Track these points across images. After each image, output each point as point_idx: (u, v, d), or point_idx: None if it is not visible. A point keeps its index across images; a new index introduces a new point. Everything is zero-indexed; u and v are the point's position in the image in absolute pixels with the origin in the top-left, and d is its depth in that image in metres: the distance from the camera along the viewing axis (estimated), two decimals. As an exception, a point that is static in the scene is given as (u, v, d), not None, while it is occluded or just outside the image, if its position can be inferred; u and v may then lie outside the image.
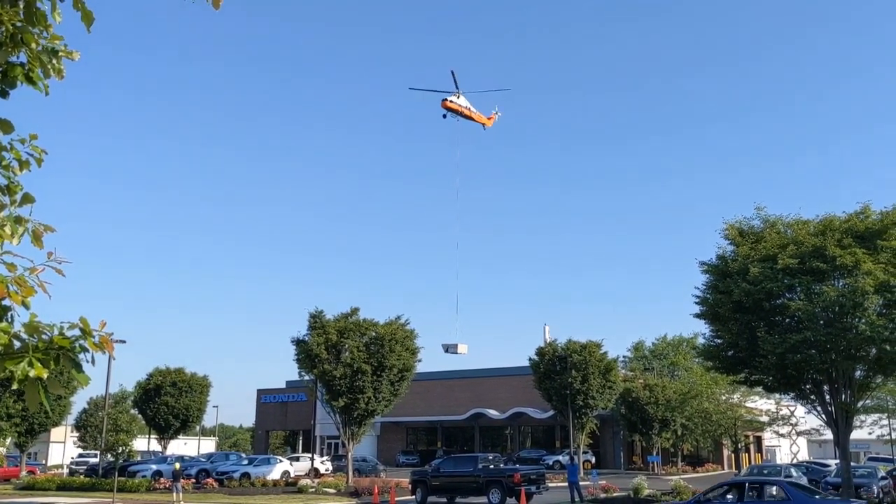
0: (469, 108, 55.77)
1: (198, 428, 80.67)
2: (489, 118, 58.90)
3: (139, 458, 49.74)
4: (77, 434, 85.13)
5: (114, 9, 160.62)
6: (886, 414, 53.46)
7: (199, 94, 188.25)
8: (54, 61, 4.47)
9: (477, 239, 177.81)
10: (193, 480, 42.59)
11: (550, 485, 36.87)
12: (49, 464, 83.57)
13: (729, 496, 21.58)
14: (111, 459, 41.66)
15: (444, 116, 54.73)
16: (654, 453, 61.20)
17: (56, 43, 4.47)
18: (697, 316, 31.34)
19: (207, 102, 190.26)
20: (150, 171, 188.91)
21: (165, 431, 60.63)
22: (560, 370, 53.66)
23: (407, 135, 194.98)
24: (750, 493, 21.09)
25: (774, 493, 20.62)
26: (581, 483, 35.62)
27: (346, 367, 40.81)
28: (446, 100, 54.03)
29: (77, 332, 3.99)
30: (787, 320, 28.59)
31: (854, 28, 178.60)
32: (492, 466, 33.89)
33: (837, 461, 33.49)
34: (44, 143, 4.55)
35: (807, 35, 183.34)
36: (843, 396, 29.12)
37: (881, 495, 31.53)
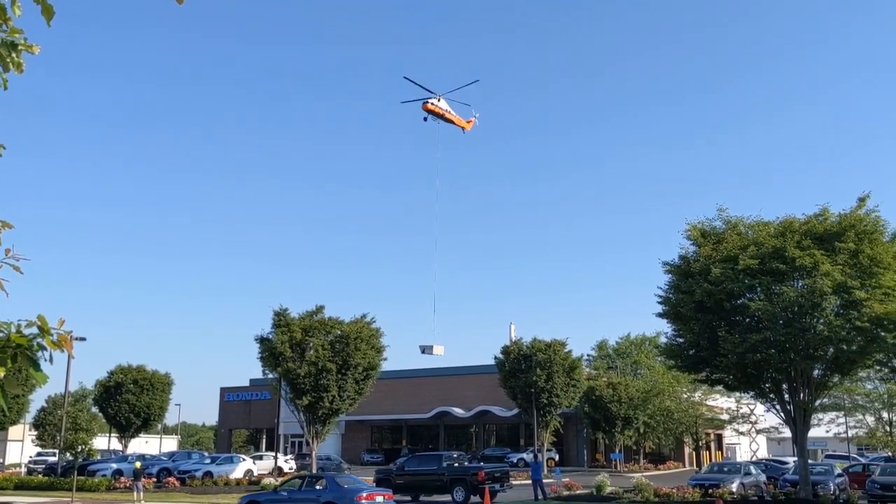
0: (449, 112, 56.92)
1: (159, 426, 79.74)
2: (468, 122, 60.00)
3: (99, 457, 49.02)
4: (35, 432, 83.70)
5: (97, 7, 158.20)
6: (843, 412, 54.51)
7: (168, 94, 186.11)
8: (14, 55, 4.40)
9: (442, 239, 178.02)
10: (154, 479, 42.07)
11: (514, 483, 37.04)
12: (6, 462, 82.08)
13: (296, 486, 28.21)
14: (70, 458, 41.05)
15: (426, 119, 55.91)
16: (617, 451, 61.80)
17: (16, 36, 4.40)
18: (660, 315, 31.69)
19: (178, 104, 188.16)
20: (112, 166, 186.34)
21: (126, 430, 59.84)
22: (525, 369, 53.92)
23: (380, 138, 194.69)
24: (309, 483, 27.73)
25: (323, 483, 27.14)
26: (545, 481, 35.83)
27: (311, 366, 40.58)
28: (427, 102, 55.08)
29: (35, 329, 3.94)
30: (748, 320, 29.05)
31: (828, 37, 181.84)
32: (456, 465, 33.96)
33: (795, 459, 34.12)
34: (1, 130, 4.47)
35: (781, 41, 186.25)
36: (802, 395, 29.66)
37: (837, 492, 32.14)
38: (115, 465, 46.03)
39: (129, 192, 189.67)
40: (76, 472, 37.80)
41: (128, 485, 38.52)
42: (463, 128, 59.32)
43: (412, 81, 54.64)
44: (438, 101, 55.54)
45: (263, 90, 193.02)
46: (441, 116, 56.08)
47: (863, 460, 52.02)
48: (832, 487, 32.20)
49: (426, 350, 56.85)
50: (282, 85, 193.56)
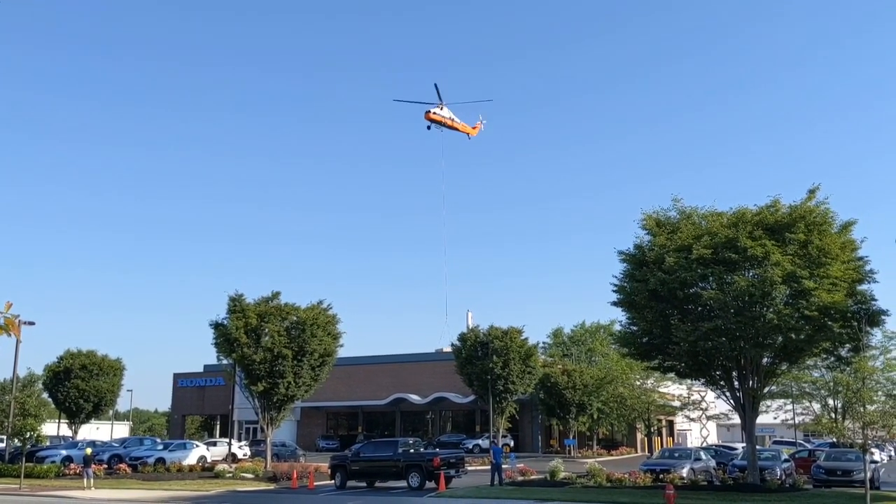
0: (452, 119, 56.74)
1: (111, 412, 78.44)
2: (474, 128, 59.99)
3: (48, 443, 48.11)
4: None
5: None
6: (790, 399, 55.60)
7: (133, 69, 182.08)
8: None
9: (397, 224, 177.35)
10: (105, 466, 41.47)
11: (470, 468, 37.25)
12: (-49, 449, 79.99)
13: None
14: (18, 444, 40.22)
15: (429, 128, 55.88)
16: (571, 437, 62.41)
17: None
18: (615, 304, 32.00)
19: (135, 78, 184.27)
20: (61, 154, 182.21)
21: (76, 416, 58.77)
22: (482, 356, 54.12)
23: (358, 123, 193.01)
24: None
25: None
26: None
27: (266, 352, 40.28)
28: (429, 112, 54.96)
29: (-19, 313, 3.86)
30: (700, 309, 29.48)
31: (779, 26, 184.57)
32: (412, 451, 34.01)
33: (744, 444, 34.79)
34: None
35: (728, 33, 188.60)
36: (751, 382, 30.24)
37: (784, 477, 32.89)
38: (64, 452, 45.23)
39: (77, 169, 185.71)
40: (24, 459, 37.07)
41: (78, 471, 37.92)
42: (468, 134, 59.46)
43: (404, 101, 54.60)
44: (441, 108, 55.41)
45: (232, 64, 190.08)
46: (444, 124, 55.99)
47: (809, 446, 53.35)
48: (779, 472, 32.94)
49: (438, 352, 59.06)
50: (260, 59, 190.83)
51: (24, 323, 41.90)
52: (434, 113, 54.78)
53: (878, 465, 39.10)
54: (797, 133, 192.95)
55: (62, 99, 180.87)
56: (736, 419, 37.37)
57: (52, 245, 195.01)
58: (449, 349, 58.99)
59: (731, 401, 31.32)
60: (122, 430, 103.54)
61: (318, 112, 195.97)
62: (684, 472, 32.91)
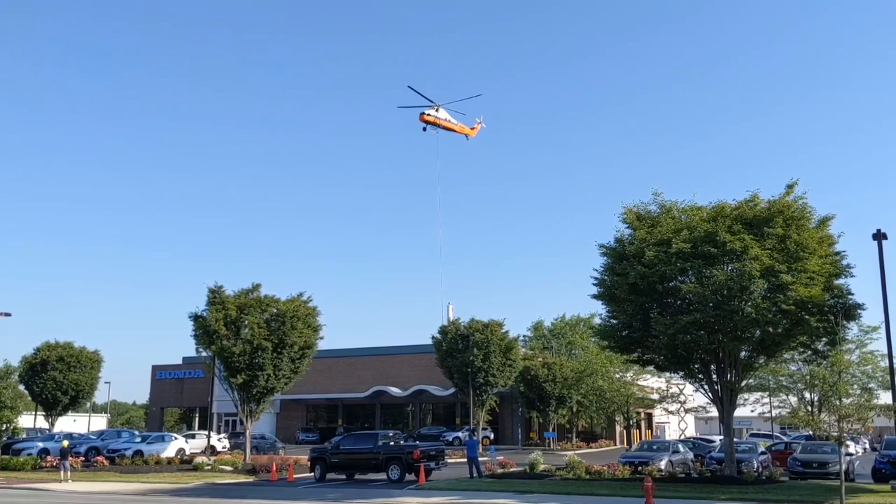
0: (449, 120, 56.37)
1: (88, 404, 77.89)
2: (472, 128, 59.58)
3: (25, 436, 47.69)
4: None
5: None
6: (768, 393, 56.18)
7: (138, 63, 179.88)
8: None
9: (378, 214, 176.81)
10: (83, 459, 41.21)
11: (450, 461, 37.32)
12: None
13: None
14: (-6, 437, 39.88)
15: (424, 129, 55.37)
16: (551, 429, 62.70)
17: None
18: (595, 297, 32.07)
19: (152, 71, 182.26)
20: (40, 139, 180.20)
21: (53, 408, 58.34)
22: (462, 349, 54.22)
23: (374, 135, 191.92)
24: None
25: None
26: (480, 459, 36.17)
27: (246, 344, 40.17)
28: (424, 113, 54.65)
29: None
30: (679, 302, 29.60)
31: (744, 15, 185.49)
32: (392, 443, 34.03)
33: (722, 437, 35.10)
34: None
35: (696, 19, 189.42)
36: (729, 376, 30.48)
37: (760, 469, 33.22)
38: (41, 444, 44.93)
39: (49, 143, 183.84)
40: (0, 451, 36.74)
41: (55, 464, 37.61)
42: (467, 135, 59.08)
43: (416, 91, 54.22)
44: (437, 111, 55.06)
45: (212, 35, 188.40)
46: (439, 125, 55.64)
47: (785, 439, 54.00)
48: (756, 465, 33.27)
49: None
50: (239, 31, 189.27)
51: (0, 314, 41.47)
52: (428, 114, 54.53)
53: (854, 457, 39.63)
54: (779, 115, 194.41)
55: (36, 68, 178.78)
56: (714, 412, 37.74)
57: (29, 235, 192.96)
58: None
59: (710, 394, 31.54)
60: (99, 422, 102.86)
61: (296, 82, 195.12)
62: (662, 464, 33.15)
